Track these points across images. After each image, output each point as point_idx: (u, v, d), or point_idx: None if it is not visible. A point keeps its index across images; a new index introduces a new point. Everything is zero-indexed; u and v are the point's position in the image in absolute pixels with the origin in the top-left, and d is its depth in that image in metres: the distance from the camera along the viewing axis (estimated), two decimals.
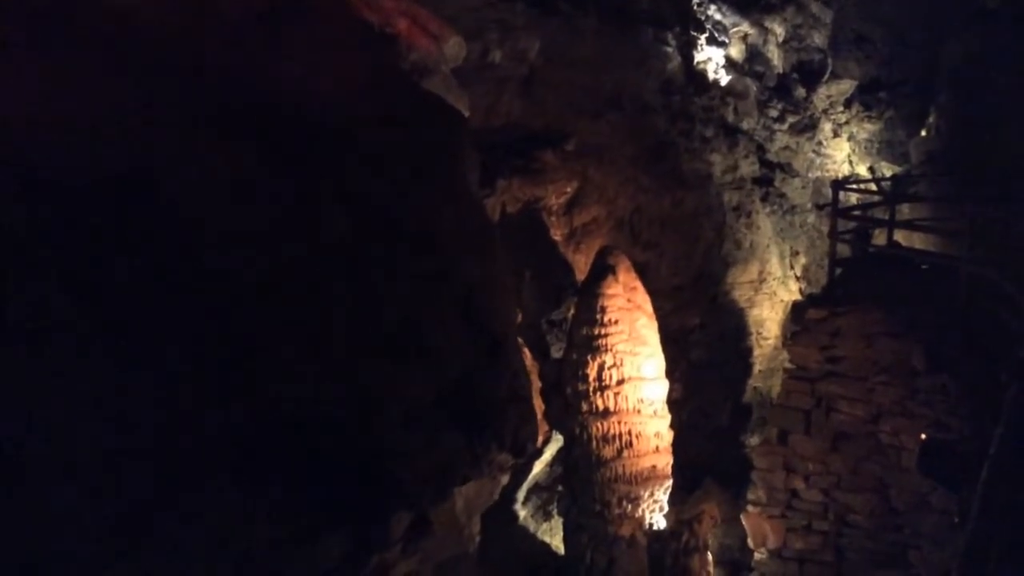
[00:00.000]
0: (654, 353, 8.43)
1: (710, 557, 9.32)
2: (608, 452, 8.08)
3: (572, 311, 8.80)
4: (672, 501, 8.60)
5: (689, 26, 10.87)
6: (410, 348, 3.90)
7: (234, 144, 3.61)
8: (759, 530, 7.99)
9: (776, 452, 7.86)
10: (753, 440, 10.67)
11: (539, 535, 9.99)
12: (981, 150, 10.61)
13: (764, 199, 11.61)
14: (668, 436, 8.42)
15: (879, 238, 9.52)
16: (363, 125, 4.24)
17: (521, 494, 9.73)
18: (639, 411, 8.18)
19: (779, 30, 11.89)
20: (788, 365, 8.27)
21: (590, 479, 8.12)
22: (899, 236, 9.55)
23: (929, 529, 6.97)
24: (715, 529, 9.58)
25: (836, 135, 12.74)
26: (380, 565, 3.91)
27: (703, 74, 11.10)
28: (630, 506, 8.14)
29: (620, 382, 8.11)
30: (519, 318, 6.23)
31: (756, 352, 11.45)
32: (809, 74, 12.34)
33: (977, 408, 6.45)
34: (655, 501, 8.29)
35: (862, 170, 13.12)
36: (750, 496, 8.02)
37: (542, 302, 9.37)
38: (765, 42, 11.84)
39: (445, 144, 4.84)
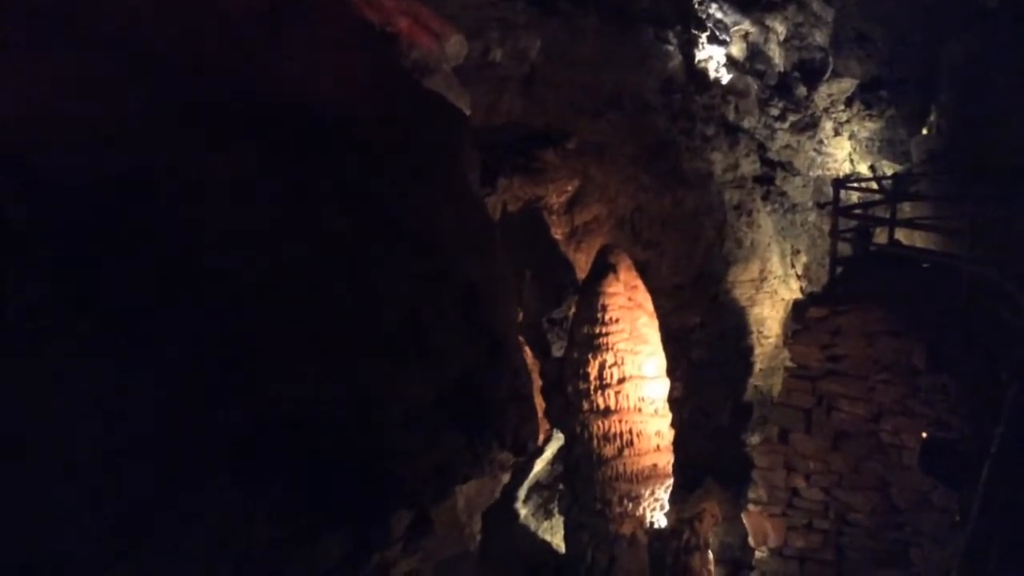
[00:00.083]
0: (655, 352, 8.43)
1: (711, 556, 9.32)
2: (609, 451, 8.08)
3: (573, 310, 8.80)
4: (673, 500, 8.61)
5: (690, 25, 10.85)
6: (410, 348, 3.90)
7: (234, 144, 3.61)
8: (760, 529, 7.98)
9: (777, 451, 7.85)
10: (754, 439, 10.67)
11: (540, 534, 10.00)
12: (982, 149, 10.60)
13: (765, 198, 11.59)
14: (669, 435, 8.42)
15: (880, 237, 9.48)
16: (363, 125, 4.23)
17: (522, 493, 9.74)
18: (640, 410, 8.19)
19: (780, 28, 11.88)
20: (789, 364, 8.26)
21: (591, 478, 8.12)
22: (900, 235, 9.52)
23: (930, 528, 6.96)
24: (716, 528, 9.57)
25: (837, 134, 12.72)
26: (381, 564, 3.92)
27: (704, 73, 11.08)
28: (631, 505, 8.15)
29: (621, 381, 8.12)
30: (520, 317, 6.24)
31: (757, 351, 11.45)
32: (810, 73, 12.31)
33: (978, 407, 6.43)
34: (656, 500, 8.30)
35: (863, 169, 13.11)
36: (751, 495, 8.02)
37: (543, 301, 9.37)
38: (766, 40, 11.82)
39: (446, 143, 4.83)
